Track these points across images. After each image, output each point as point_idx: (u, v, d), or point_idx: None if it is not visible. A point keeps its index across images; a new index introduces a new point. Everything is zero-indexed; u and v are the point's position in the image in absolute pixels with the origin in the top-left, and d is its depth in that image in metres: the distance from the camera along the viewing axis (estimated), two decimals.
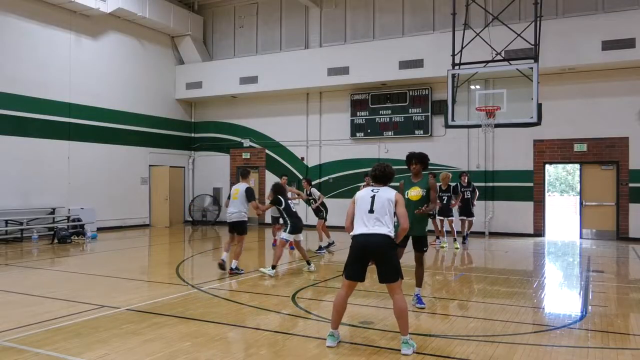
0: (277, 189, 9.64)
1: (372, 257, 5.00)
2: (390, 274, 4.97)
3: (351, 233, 5.09)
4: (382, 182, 5.28)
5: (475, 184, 14.49)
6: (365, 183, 14.97)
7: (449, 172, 13.75)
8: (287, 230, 9.34)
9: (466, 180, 13.73)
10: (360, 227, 4.99)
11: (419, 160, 6.69)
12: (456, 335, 5.53)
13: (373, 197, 5.06)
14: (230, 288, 8.13)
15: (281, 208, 9.50)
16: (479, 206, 14.78)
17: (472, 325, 5.95)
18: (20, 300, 7.08)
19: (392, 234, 5.00)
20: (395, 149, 17.24)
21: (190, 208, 20.36)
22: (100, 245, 13.83)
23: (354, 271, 5.05)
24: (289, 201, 9.73)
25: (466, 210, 13.66)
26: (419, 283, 6.83)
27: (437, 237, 13.51)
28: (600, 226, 15.18)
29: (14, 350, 4.91)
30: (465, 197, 13.58)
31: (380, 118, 17.46)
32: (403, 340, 4.89)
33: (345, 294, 5.10)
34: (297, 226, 9.42)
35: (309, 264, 9.52)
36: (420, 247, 6.74)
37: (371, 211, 4.99)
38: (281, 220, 9.97)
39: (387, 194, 5.11)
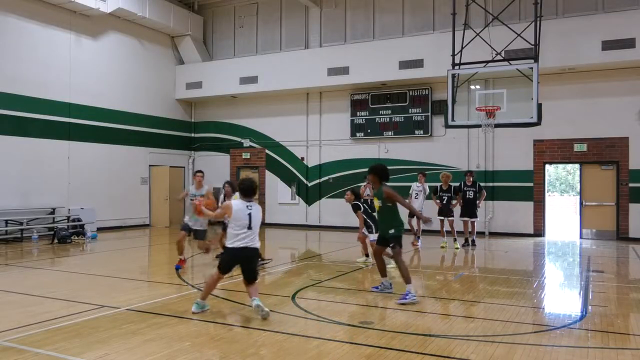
0: (357, 194, 10.47)
1: (243, 262, 6.12)
2: (254, 275, 6.21)
3: (230, 244, 6.06)
4: (251, 196, 6.20)
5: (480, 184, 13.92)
6: (365, 183, 14.99)
7: (449, 172, 13.70)
8: (373, 231, 9.80)
9: (471, 180, 13.20)
10: (240, 241, 6.01)
11: (371, 171, 7.23)
12: (456, 335, 5.53)
13: (250, 215, 6.05)
14: (230, 288, 8.13)
15: (361, 212, 10.13)
16: None
17: (472, 325, 5.95)
18: (20, 300, 7.08)
19: (258, 246, 6.21)
20: (395, 149, 17.26)
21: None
22: (100, 245, 13.83)
23: (229, 269, 6.25)
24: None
25: (468, 211, 13.11)
26: (405, 280, 7.03)
27: (418, 237, 13.41)
28: (600, 226, 15.18)
29: (14, 350, 4.91)
30: (468, 197, 13.07)
31: (380, 118, 17.46)
32: (254, 300, 6.04)
33: (218, 279, 6.30)
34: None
35: (367, 256, 10.26)
36: (387, 244, 7.23)
37: (250, 227, 6.03)
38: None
39: (259, 213, 6.21)
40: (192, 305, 6.33)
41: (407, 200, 12.99)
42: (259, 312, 5.98)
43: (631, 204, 14.62)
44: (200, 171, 10.66)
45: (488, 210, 15.97)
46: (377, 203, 7.22)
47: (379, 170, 7.14)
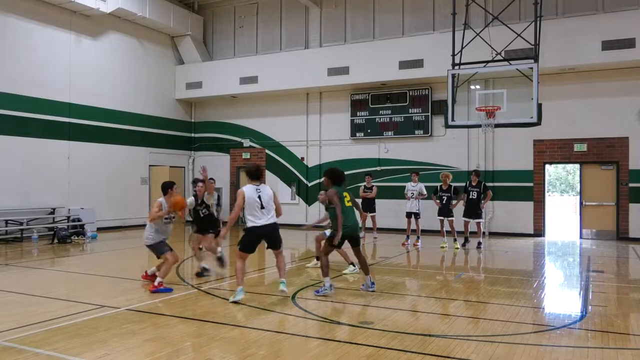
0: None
1: (266, 238, 6.91)
2: (279, 244, 7.03)
3: (249, 225, 6.77)
4: (258, 179, 6.92)
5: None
6: (365, 183, 14.99)
7: (449, 172, 13.68)
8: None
9: (476, 180, 12.93)
10: (257, 220, 6.73)
11: (325, 174, 7.78)
12: (456, 335, 5.54)
13: (260, 197, 6.74)
14: (230, 288, 8.13)
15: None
16: None
17: (472, 325, 5.95)
18: (20, 300, 7.08)
19: (276, 220, 6.94)
20: (395, 149, 17.26)
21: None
22: (100, 245, 13.83)
23: (251, 248, 6.97)
24: None
25: (470, 212, 12.91)
26: (322, 273, 7.47)
27: (418, 237, 13.39)
28: (600, 226, 15.17)
29: (14, 350, 4.91)
30: (470, 197, 12.83)
31: (380, 118, 17.46)
32: (282, 281, 7.03)
33: (244, 262, 7.05)
34: None
35: (353, 265, 9.24)
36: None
37: (262, 207, 6.72)
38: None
39: (268, 191, 6.91)
40: (235, 295, 6.81)
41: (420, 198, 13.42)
42: (281, 291, 6.96)
43: (631, 204, 14.62)
44: (173, 183, 8.56)
45: (488, 210, 15.94)
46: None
47: (330, 174, 7.68)
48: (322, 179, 7.88)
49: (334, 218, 7.36)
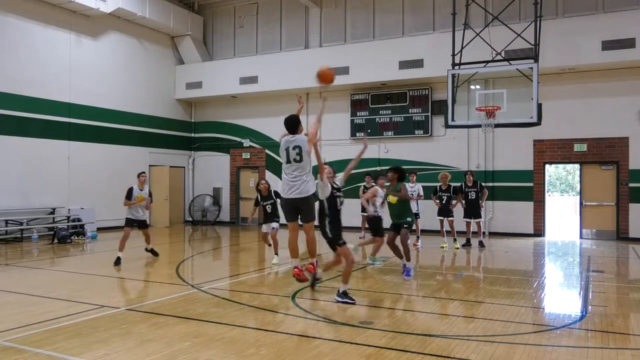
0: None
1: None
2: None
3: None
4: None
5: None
6: (365, 183, 14.98)
7: (448, 172, 13.68)
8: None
9: (471, 180, 13.00)
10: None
11: (395, 170, 9.05)
12: (456, 335, 5.53)
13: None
14: (230, 288, 8.14)
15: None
16: None
17: (472, 325, 5.95)
18: (20, 300, 7.08)
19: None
20: (395, 149, 17.26)
21: (190, 208, 20.36)
22: (100, 245, 13.83)
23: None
24: None
25: (469, 212, 12.95)
26: (407, 258, 8.80)
27: (418, 237, 13.38)
28: (600, 226, 15.17)
29: (14, 350, 4.91)
30: (470, 198, 12.89)
31: (380, 118, 17.46)
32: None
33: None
34: None
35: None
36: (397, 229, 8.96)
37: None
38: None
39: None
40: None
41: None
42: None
43: (631, 204, 14.62)
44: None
45: (488, 210, 15.95)
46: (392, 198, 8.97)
47: (400, 170, 9.14)
48: (387, 175, 9.08)
49: (408, 208, 8.88)
